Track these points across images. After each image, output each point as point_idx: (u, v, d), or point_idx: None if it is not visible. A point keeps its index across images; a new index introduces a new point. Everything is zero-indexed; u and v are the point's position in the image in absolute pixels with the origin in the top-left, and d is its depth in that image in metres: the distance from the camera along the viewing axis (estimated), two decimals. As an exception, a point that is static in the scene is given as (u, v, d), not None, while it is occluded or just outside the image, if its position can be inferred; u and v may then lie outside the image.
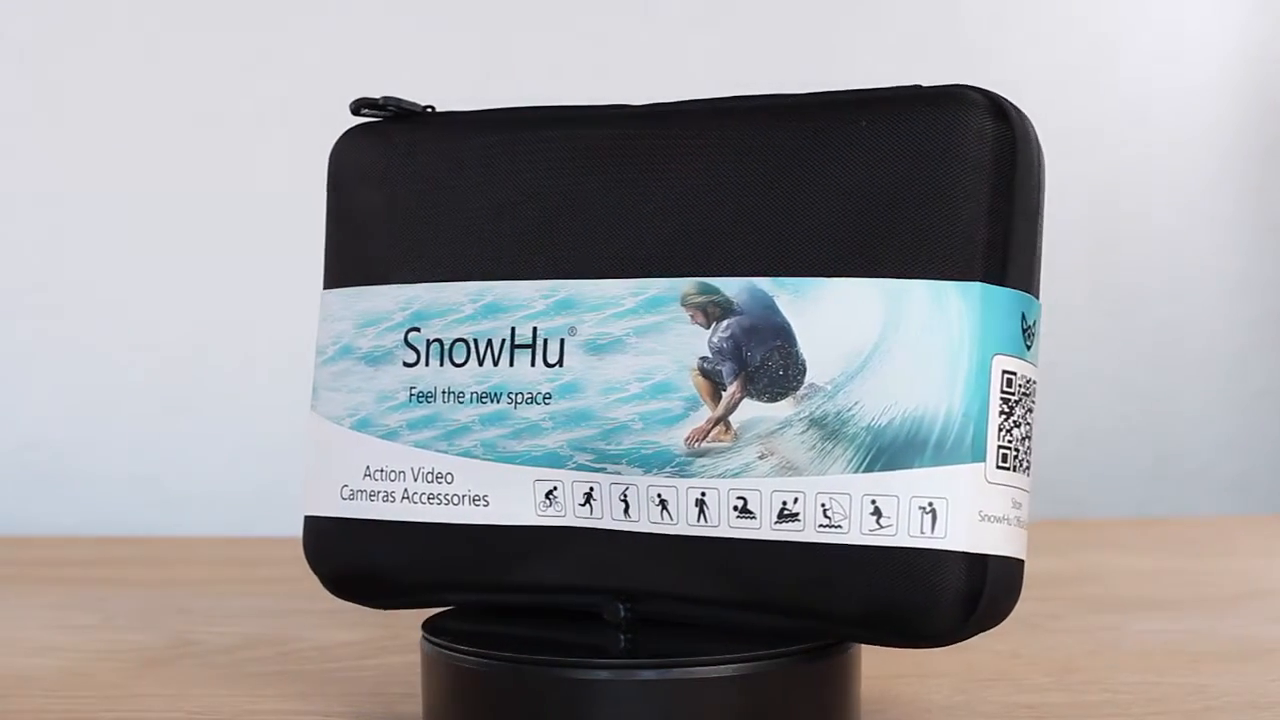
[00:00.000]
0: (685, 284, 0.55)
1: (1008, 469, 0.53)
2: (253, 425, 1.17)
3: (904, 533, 0.52)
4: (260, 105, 1.17)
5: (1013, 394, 0.53)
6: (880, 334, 0.53)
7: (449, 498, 0.58)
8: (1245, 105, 1.23)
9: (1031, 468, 0.54)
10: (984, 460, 0.52)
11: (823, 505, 0.52)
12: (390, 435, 0.59)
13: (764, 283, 0.54)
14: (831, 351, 0.53)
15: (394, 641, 0.74)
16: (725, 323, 0.55)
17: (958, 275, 0.52)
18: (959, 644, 0.54)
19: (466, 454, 0.58)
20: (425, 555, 0.59)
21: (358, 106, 0.63)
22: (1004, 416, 0.53)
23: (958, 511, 0.52)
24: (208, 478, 1.17)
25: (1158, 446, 1.23)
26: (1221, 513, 1.22)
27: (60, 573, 0.96)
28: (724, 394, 0.54)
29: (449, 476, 0.58)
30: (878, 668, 0.66)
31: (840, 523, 0.52)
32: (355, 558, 0.60)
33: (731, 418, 0.54)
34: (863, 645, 0.57)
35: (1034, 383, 0.54)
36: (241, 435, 1.17)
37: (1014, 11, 1.22)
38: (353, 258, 0.62)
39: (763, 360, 0.54)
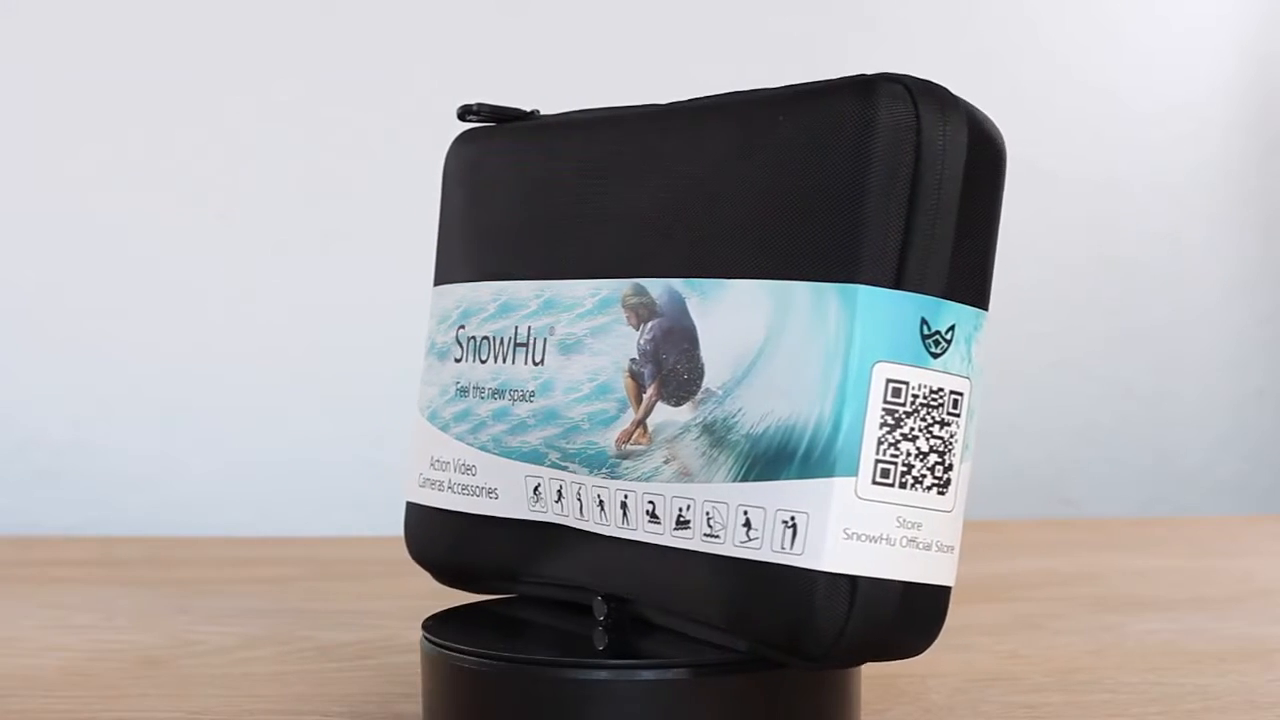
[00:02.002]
0: (625, 285, 0.55)
1: (889, 485, 0.49)
2: (253, 426, 1.17)
3: (768, 546, 0.49)
4: (258, 105, 1.17)
5: (901, 404, 0.49)
6: (765, 338, 0.51)
7: (474, 489, 0.60)
8: (1245, 105, 1.23)
9: (953, 487, 0.50)
10: (855, 474, 0.49)
11: (707, 514, 0.51)
12: (444, 427, 0.62)
13: (679, 284, 0.53)
14: (725, 355, 0.52)
15: (394, 641, 0.74)
16: (649, 324, 0.54)
17: (840, 277, 0.49)
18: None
19: (484, 448, 0.60)
20: (462, 543, 0.61)
21: (463, 112, 0.63)
22: (887, 429, 0.49)
23: (818, 527, 0.49)
24: (208, 477, 1.17)
25: (1158, 446, 1.23)
26: (1221, 513, 1.22)
27: (60, 573, 0.96)
28: (644, 396, 0.54)
29: (474, 469, 0.60)
30: (878, 668, 0.66)
31: (719, 533, 0.51)
32: (425, 543, 0.64)
33: (649, 420, 0.54)
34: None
35: (953, 394, 0.50)
36: (241, 436, 1.17)
37: (1014, 11, 1.22)
38: (441, 258, 0.65)
39: (674, 363, 0.53)
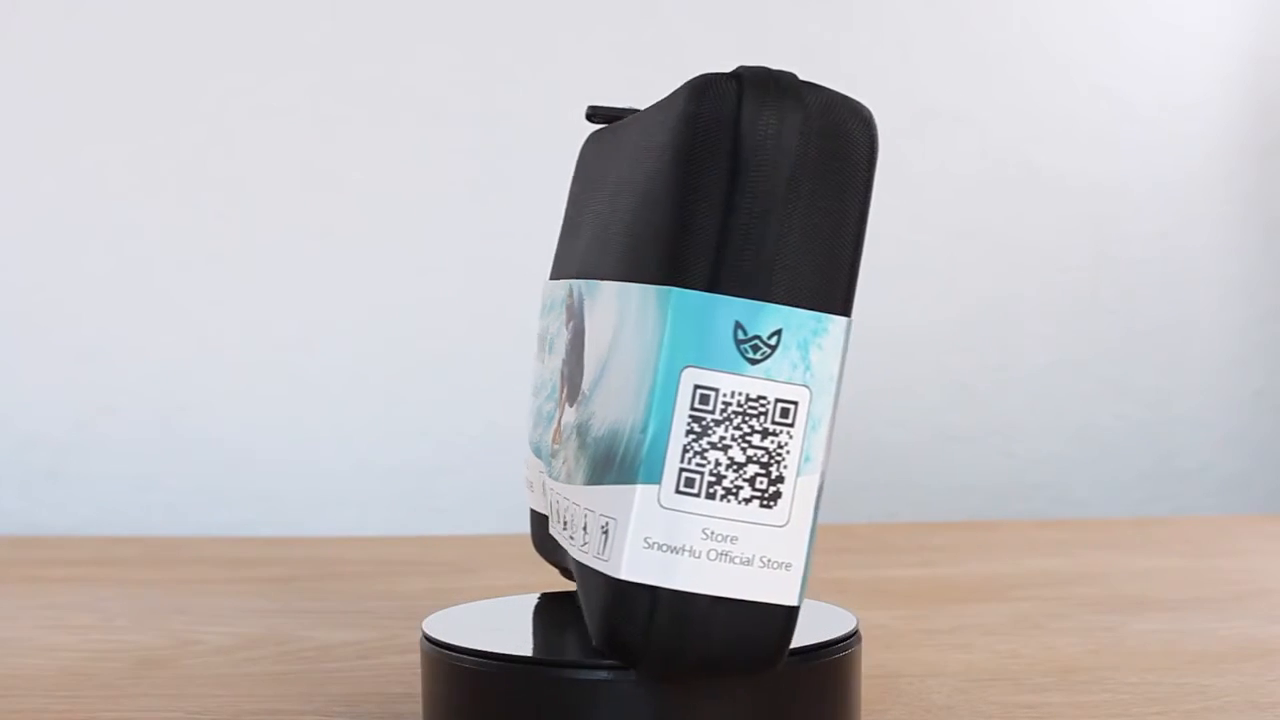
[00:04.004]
0: (567, 286, 0.57)
1: (694, 494, 0.47)
2: (253, 425, 1.17)
3: (593, 551, 0.49)
4: (258, 105, 1.17)
5: (709, 412, 0.47)
6: (612, 340, 0.50)
7: (527, 482, 0.62)
8: (1245, 105, 1.23)
9: (785, 501, 0.48)
10: (658, 482, 0.47)
11: (571, 515, 0.52)
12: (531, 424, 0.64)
13: (580, 285, 0.54)
14: (592, 357, 0.52)
15: (394, 641, 0.74)
16: (569, 325, 0.55)
17: (659, 278, 0.48)
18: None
19: (529, 443, 0.62)
20: (535, 536, 0.62)
21: (590, 114, 0.62)
22: (693, 436, 0.47)
23: (620, 535, 0.47)
24: (208, 477, 1.17)
25: (1158, 446, 1.23)
26: (1221, 513, 1.22)
27: (60, 573, 0.96)
28: (560, 396, 0.55)
29: (528, 463, 0.62)
30: (878, 668, 0.66)
31: (575, 534, 0.51)
32: (533, 536, 0.64)
33: (561, 420, 0.54)
34: (862, 645, 0.57)
35: (780, 402, 0.48)
36: (241, 436, 1.17)
37: (1014, 11, 1.22)
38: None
39: (573, 365, 0.54)
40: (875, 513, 1.20)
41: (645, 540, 0.47)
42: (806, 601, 0.61)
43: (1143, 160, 1.23)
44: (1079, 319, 1.22)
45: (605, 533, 0.48)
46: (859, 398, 1.19)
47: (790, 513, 0.48)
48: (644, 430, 0.47)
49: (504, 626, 0.57)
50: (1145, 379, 1.23)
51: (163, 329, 1.18)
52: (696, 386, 0.47)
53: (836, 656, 0.55)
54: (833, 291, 0.48)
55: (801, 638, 0.55)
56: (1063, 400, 1.22)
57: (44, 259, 1.17)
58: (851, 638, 0.56)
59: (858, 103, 0.49)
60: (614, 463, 0.48)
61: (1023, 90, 1.22)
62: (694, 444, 0.47)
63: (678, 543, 0.47)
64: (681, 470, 0.47)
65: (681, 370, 0.47)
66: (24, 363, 1.17)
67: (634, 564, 0.47)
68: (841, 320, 0.48)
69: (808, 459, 0.48)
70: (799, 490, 0.48)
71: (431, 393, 1.18)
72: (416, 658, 0.58)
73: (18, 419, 1.17)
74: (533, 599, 0.62)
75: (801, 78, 0.49)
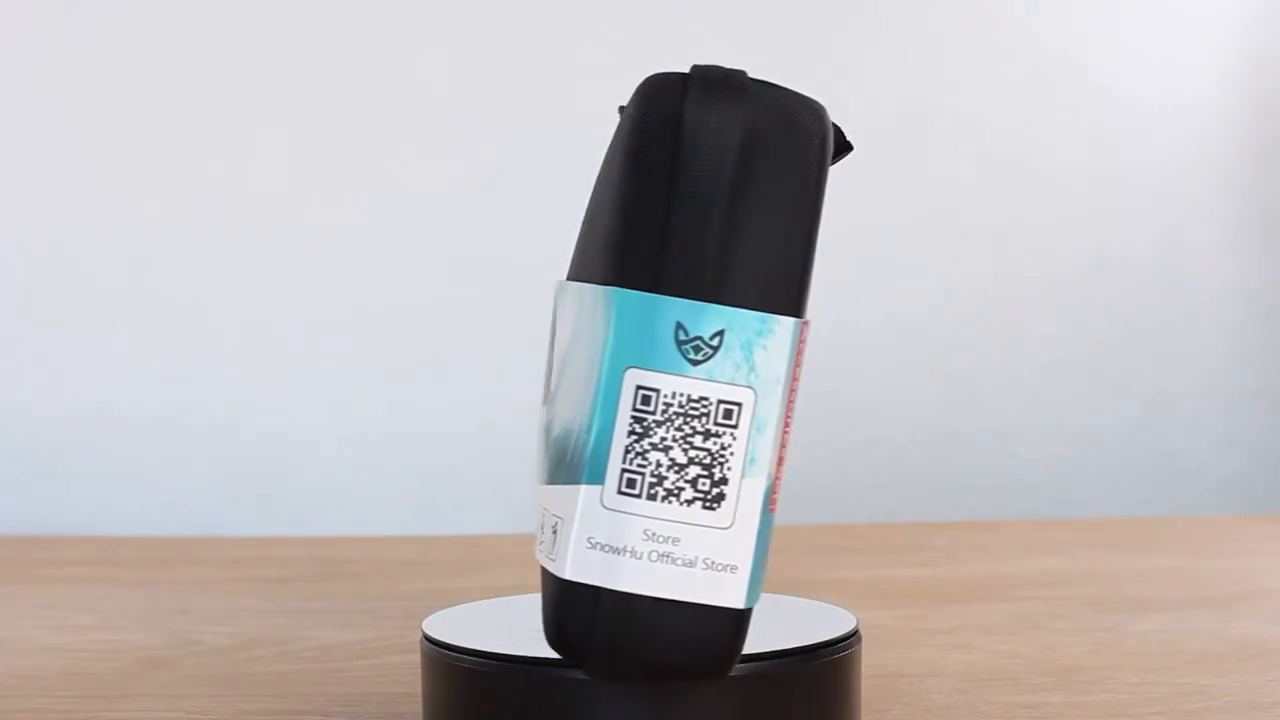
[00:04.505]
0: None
1: (636, 495, 0.47)
2: (253, 425, 1.17)
3: (545, 551, 0.50)
4: (257, 105, 1.17)
5: (651, 413, 0.47)
6: (570, 340, 0.50)
7: None
8: (1245, 105, 1.23)
9: (730, 503, 0.47)
10: (601, 483, 0.47)
11: (538, 515, 0.52)
12: None
13: (557, 284, 0.54)
14: (556, 357, 0.52)
15: (393, 641, 0.74)
16: (553, 324, 0.55)
17: (607, 279, 0.48)
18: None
19: None
20: None
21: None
22: (635, 437, 0.47)
23: (566, 534, 0.48)
24: (208, 477, 1.17)
25: (1158, 446, 1.23)
26: (1221, 513, 1.22)
27: (60, 573, 0.96)
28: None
29: None
30: (878, 668, 0.66)
31: (538, 533, 0.51)
32: None
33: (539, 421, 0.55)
34: (862, 645, 0.57)
35: (722, 404, 0.47)
36: (241, 436, 1.17)
37: (1014, 11, 1.22)
38: None
39: (548, 363, 0.53)
40: (875, 513, 1.20)
41: (589, 540, 0.47)
42: (807, 601, 0.61)
43: (1143, 160, 1.23)
44: (1079, 319, 1.22)
45: (555, 532, 0.49)
46: (859, 397, 1.19)
47: (735, 515, 0.48)
48: (589, 430, 0.47)
49: (504, 626, 0.57)
50: (1145, 379, 1.23)
51: (163, 329, 1.17)
52: (639, 387, 0.47)
53: (836, 656, 0.55)
54: (779, 292, 0.48)
55: (801, 638, 0.55)
56: (1063, 400, 1.22)
57: (44, 259, 1.17)
58: (851, 638, 0.56)
59: (811, 100, 0.49)
60: (564, 462, 0.49)
61: (1023, 90, 1.22)
62: (635, 444, 0.47)
63: (620, 543, 0.47)
64: (623, 471, 0.47)
65: (624, 371, 0.47)
66: (24, 363, 1.17)
67: (577, 564, 0.47)
68: (789, 321, 0.48)
69: (753, 461, 0.48)
70: (744, 492, 0.48)
71: (432, 393, 1.18)
72: (416, 658, 0.58)
73: (18, 419, 1.17)
74: (533, 599, 0.61)
75: (755, 76, 0.49)
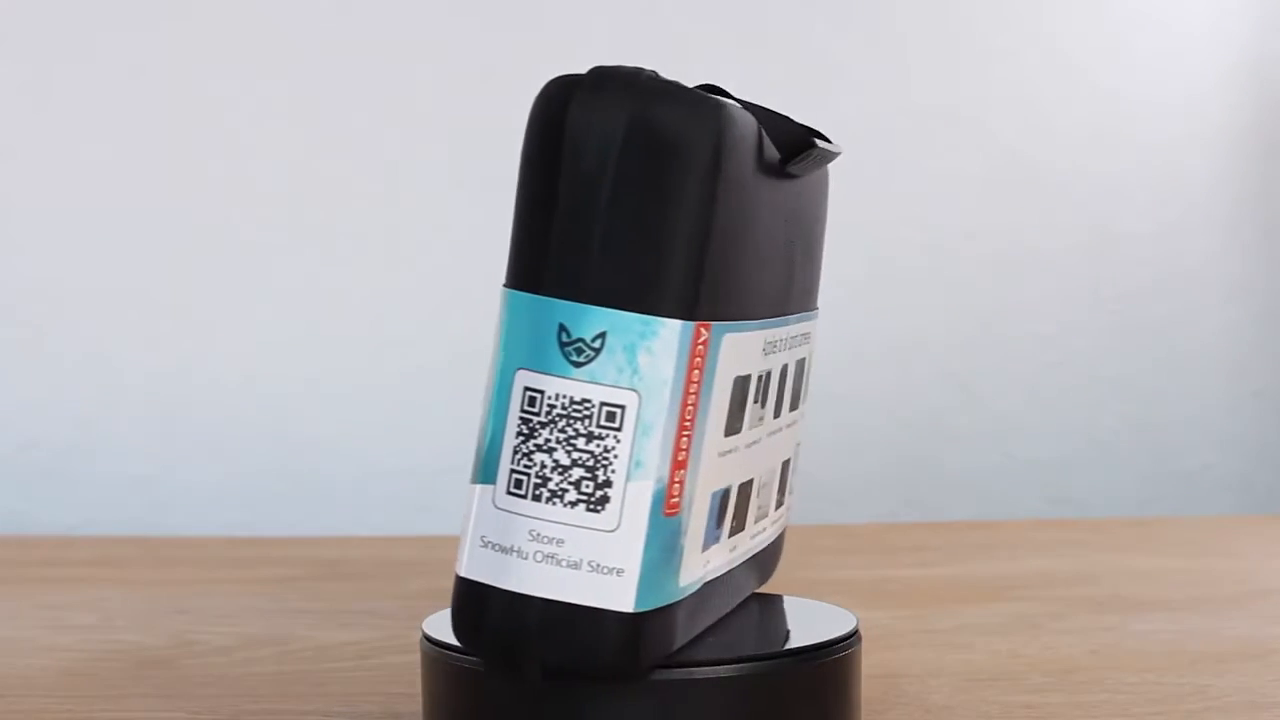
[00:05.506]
0: None
1: (522, 496, 0.48)
2: (253, 425, 1.17)
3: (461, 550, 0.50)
4: (257, 105, 1.17)
5: (536, 414, 0.47)
6: (493, 344, 0.51)
7: None
8: (1245, 105, 1.23)
9: (615, 505, 0.47)
10: (494, 483, 0.48)
11: None
12: None
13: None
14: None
15: (393, 641, 0.74)
16: None
17: (505, 281, 0.49)
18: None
19: None
20: None
21: None
22: (521, 438, 0.47)
23: (464, 532, 0.49)
24: (208, 477, 1.17)
25: (1158, 446, 1.23)
26: (1221, 513, 1.22)
27: (60, 573, 0.96)
28: None
29: None
30: (878, 668, 0.66)
31: None
32: None
33: None
34: (862, 645, 0.57)
35: (605, 406, 0.47)
36: (242, 436, 1.17)
37: (1015, 11, 1.22)
38: None
39: None
40: (875, 513, 1.20)
41: (481, 539, 0.48)
42: (807, 601, 0.61)
43: (1143, 160, 1.23)
44: (1079, 319, 1.22)
45: (463, 531, 0.49)
46: (859, 398, 1.19)
47: (621, 518, 0.47)
48: (486, 431, 0.48)
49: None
50: (1145, 379, 1.23)
51: (163, 329, 1.17)
52: (526, 389, 0.48)
53: (836, 656, 0.55)
54: (663, 294, 0.47)
55: (801, 638, 0.55)
56: (1063, 400, 1.22)
57: (44, 259, 1.17)
58: (851, 638, 0.56)
59: (708, 99, 0.48)
60: (473, 462, 0.49)
61: (1023, 90, 1.22)
62: (522, 445, 0.48)
63: (508, 543, 0.48)
64: (512, 471, 0.48)
65: (515, 372, 0.48)
66: (24, 363, 1.17)
67: (471, 562, 0.48)
68: (675, 323, 0.47)
69: (639, 464, 0.47)
70: (630, 495, 0.47)
71: (432, 393, 1.18)
72: (416, 658, 0.58)
73: (19, 419, 1.17)
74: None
75: (661, 75, 0.49)
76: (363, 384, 1.18)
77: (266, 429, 1.17)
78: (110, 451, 1.17)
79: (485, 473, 0.48)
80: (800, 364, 0.59)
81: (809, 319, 0.60)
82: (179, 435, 1.17)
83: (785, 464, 0.60)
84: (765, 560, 0.61)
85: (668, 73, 0.50)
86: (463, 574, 0.48)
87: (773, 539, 0.61)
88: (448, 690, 0.54)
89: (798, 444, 0.62)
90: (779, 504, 0.60)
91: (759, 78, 1.17)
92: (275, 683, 0.68)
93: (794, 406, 0.59)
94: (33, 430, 1.17)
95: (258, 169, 1.18)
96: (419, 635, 0.57)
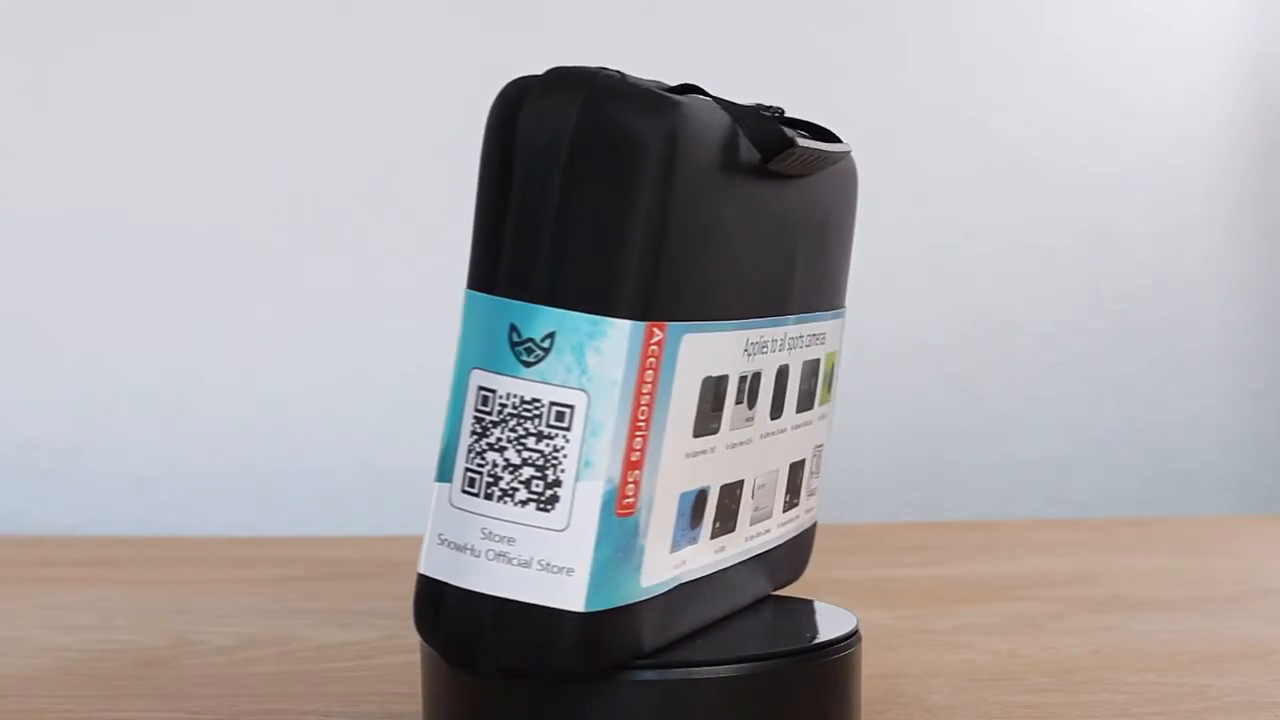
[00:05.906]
0: None
1: (475, 494, 0.48)
2: (253, 425, 1.17)
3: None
4: (257, 105, 1.17)
5: (489, 413, 0.47)
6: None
7: None
8: (1245, 105, 1.23)
9: (564, 505, 0.47)
10: (450, 481, 0.48)
11: None
12: None
13: None
14: None
15: (393, 642, 0.74)
16: None
17: (467, 281, 0.49)
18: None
19: None
20: None
21: None
22: (475, 437, 0.48)
23: (427, 530, 0.49)
24: (208, 477, 1.17)
25: (1158, 446, 1.23)
26: (1221, 513, 1.22)
27: (60, 572, 0.96)
28: None
29: None
30: (878, 667, 0.66)
31: None
32: None
33: None
34: (862, 645, 0.57)
35: (555, 405, 0.47)
36: (241, 435, 1.17)
37: (1015, 11, 1.22)
38: None
39: None
40: (875, 513, 1.20)
41: (439, 537, 0.49)
42: (807, 601, 0.61)
43: (1143, 160, 1.23)
44: (1079, 319, 1.22)
45: (425, 529, 0.50)
46: (859, 398, 1.19)
47: (570, 517, 0.47)
48: (445, 429, 0.49)
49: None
50: (1145, 379, 1.23)
51: (163, 329, 1.17)
52: (480, 388, 0.48)
53: (836, 656, 0.55)
54: (611, 294, 0.47)
55: (801, 638, 0.55)
56: (1063, 400, 1.22)
57: (44, 259, 1.17)
58: (851, 638, 0.56)
59: (662, 97, 0.48)
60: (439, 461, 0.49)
61: (1023, 90, 1.22)
62: (476, 444, 0.48)
63: (463, 541, 0.48)
64: (466, 470, 0.48)
65: (470, 371, 0.48)
66: (25, 363, 1.17)
67: (429, 559, 0.49)
68: (624, 324, 0.47)
69: (589, 464, 0.47)
70: (579, 495, 0.47)
71: (432, 393, 1.18)
72: (416, 658, 0.58)
73: (18, 419, 1.17)
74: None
75: (625, 75, 0.48)
76: (363, 384, 1.18)
77: (266, 429, 1.17)
78: (110, 451, 1.17)
79: (443, 471, 0.49)
80: (811, 365, 0.58)
81: (821, 319, 0.59)
82: (179, 435, 1.17)
83: (798, 465, 0.60)
84: (777, 561, 0.60)
85: (668, 73, 0.50)
86: (422, 571, 0.49)
87: (783, 540, 0.60)
88: (447, 690, 0.54)
89: (819, 445, 0.61)
90: (789, 505, 0.60)
91: (759, 78, 1.17)
92: (275, 683, 0.68)
93: (806, 407, 0.59)
94: (33, 430, 1.17)
95: (258, 169, 1.18)
96: (418, 635, 0.57)
